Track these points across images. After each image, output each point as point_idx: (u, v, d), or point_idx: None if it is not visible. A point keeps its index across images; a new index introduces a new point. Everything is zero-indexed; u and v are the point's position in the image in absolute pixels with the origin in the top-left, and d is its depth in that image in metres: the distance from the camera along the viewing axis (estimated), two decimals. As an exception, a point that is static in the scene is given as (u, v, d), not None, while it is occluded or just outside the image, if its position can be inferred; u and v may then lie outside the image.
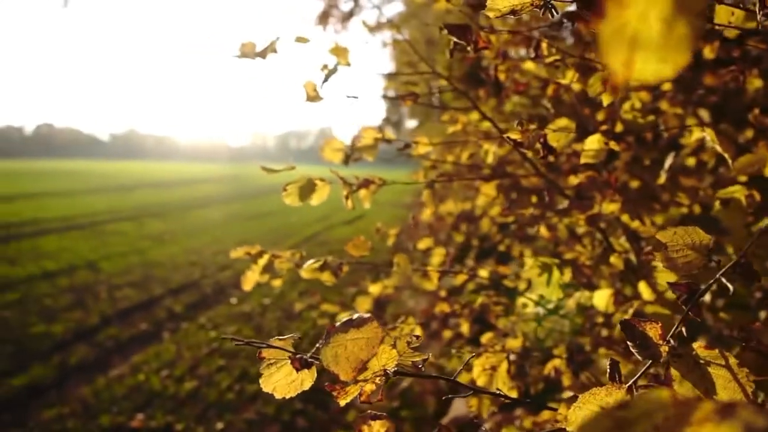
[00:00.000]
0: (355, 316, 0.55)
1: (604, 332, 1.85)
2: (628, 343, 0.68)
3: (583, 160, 1.19)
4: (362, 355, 0.52)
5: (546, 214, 1.81)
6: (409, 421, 4.21)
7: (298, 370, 0.61)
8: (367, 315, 0.55)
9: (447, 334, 3.50)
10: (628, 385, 0.69)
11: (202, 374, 5.42)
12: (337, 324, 0.55)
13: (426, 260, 2.94)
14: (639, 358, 0.67)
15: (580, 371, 1.83)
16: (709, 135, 1.12)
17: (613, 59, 0.32)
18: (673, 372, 0.59)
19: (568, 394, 1.92)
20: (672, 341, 0.63)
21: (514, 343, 1.49)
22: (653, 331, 0.65)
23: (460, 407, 3.54)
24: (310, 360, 0.61)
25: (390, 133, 1.59)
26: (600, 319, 1.79)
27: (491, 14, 0.82)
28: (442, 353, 3.63)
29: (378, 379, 0.65)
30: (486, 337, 1.80)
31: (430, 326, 5.00)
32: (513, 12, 0.82)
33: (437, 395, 4.42)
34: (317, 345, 0.59)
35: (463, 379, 1.53)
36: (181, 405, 4.81)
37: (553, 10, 0.89)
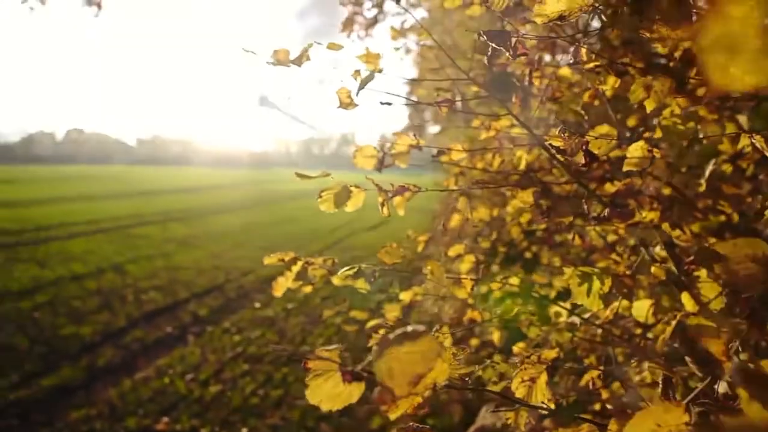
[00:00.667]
0: (410, 328, 0.54)
1: (641, 343, 1.80)
2: (686, 358, 0.66)
3: (626, 168, 1.16)
4: (418, 370, 0.51)
5: (578, 222, 1.77)
6: (437, 430, 4.17)
7: (348, 382, 0.60)
8: (422, 327, 0.54)
9: (474, 342, 3.46)
10: (685, 402, 0.66)
11: (227, 378, 5.45)
12: (391, 336, 0.53)
13: (452, 267, 2.91)
14: (698, 374, 0.65)
15: (613, 383, 1.78)
16: (758, 143, 1.08)
17: (709, 66, 0.30)
18: (741, 392, 0.57)
19: (597, 406, 1.88)
20: (737, 357, 0.61)
21: (550, 354, 1.46)
22: (716, 346, 0.62)
23: (486, 417, 3.49)
24: (361, 373, 0.60)
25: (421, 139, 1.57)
26: (638, 330, 1.75)
27: (539, 20, 0.81)
28: (471, 361, 3.59)
29: (426, 392, 0.64)
30: (518, 347, 1.77)
31: (455, 334, 4.94)
32: (561, 17, 0.81)
33: (464, 404, 4.37)
34: (368, 358, 0.57)
35: (496, 388, 1.50)
36: (206, 409, 4.84)
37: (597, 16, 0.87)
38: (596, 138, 1.09)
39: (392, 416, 0.61)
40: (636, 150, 1.14)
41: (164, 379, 5.39)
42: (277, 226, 17.27)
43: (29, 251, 11.07)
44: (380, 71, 1.63)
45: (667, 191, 1.86)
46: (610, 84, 1.26)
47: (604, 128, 1.13)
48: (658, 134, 1.56)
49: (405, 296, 1.86)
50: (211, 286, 9.01)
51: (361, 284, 1.34)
